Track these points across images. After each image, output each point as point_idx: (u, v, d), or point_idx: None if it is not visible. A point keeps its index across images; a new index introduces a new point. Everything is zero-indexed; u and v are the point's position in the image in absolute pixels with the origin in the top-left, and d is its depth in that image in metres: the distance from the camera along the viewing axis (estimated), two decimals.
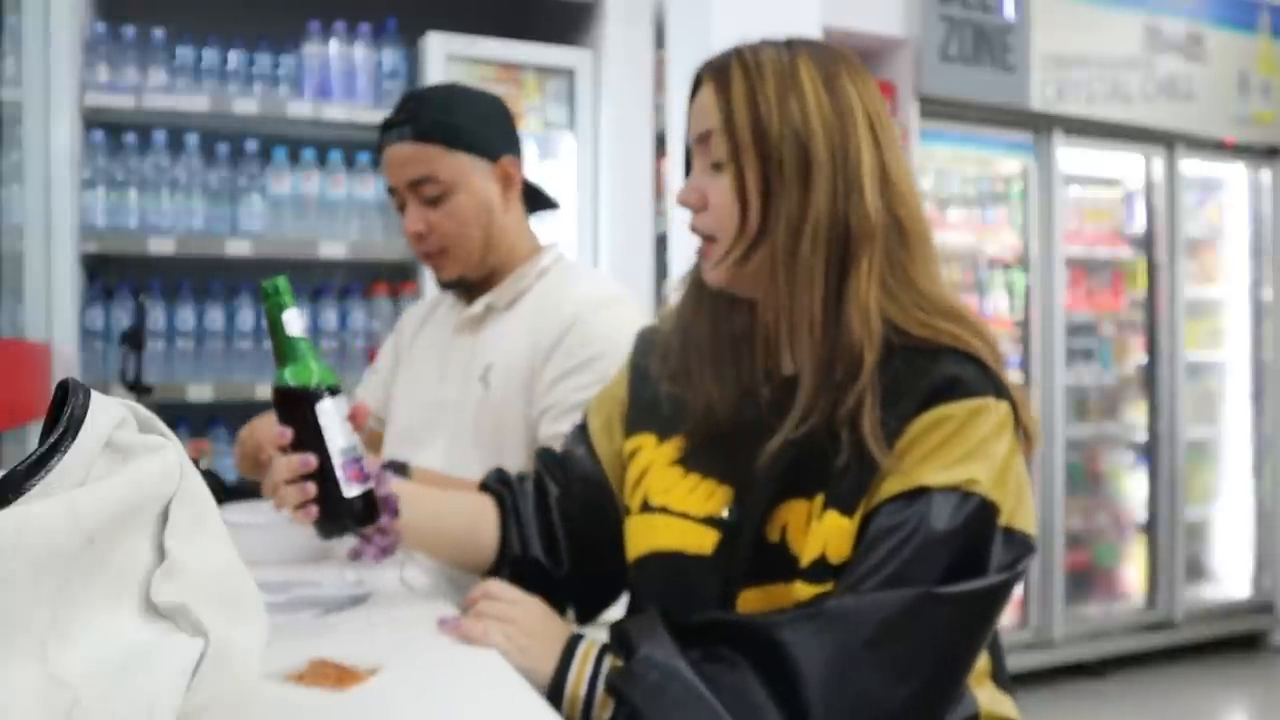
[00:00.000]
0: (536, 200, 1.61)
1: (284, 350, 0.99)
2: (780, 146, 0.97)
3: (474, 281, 1.55)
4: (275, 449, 1.01)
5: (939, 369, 0.94)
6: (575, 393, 1.40)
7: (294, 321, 1.00)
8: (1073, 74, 3.64)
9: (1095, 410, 3.99)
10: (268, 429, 1.21)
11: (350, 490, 1.00)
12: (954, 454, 0.91)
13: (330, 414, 1.00)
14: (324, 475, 0.99)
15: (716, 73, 1.01)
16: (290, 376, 0.99)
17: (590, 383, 1.38)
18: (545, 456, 1.24)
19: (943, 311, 0.98)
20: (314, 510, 1.00)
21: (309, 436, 0.99)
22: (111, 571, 0.59)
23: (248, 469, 1.45)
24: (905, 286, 0.98)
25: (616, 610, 1.27)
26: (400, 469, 1.29)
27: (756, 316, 1.05)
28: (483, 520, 1.19)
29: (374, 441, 1.72)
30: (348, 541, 1.12)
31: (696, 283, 1.09)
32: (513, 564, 1.17)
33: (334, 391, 1.00)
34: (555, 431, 1.38)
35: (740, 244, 0.99)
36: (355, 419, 1.03)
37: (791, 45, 1.01)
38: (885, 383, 0.94)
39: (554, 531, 1.18)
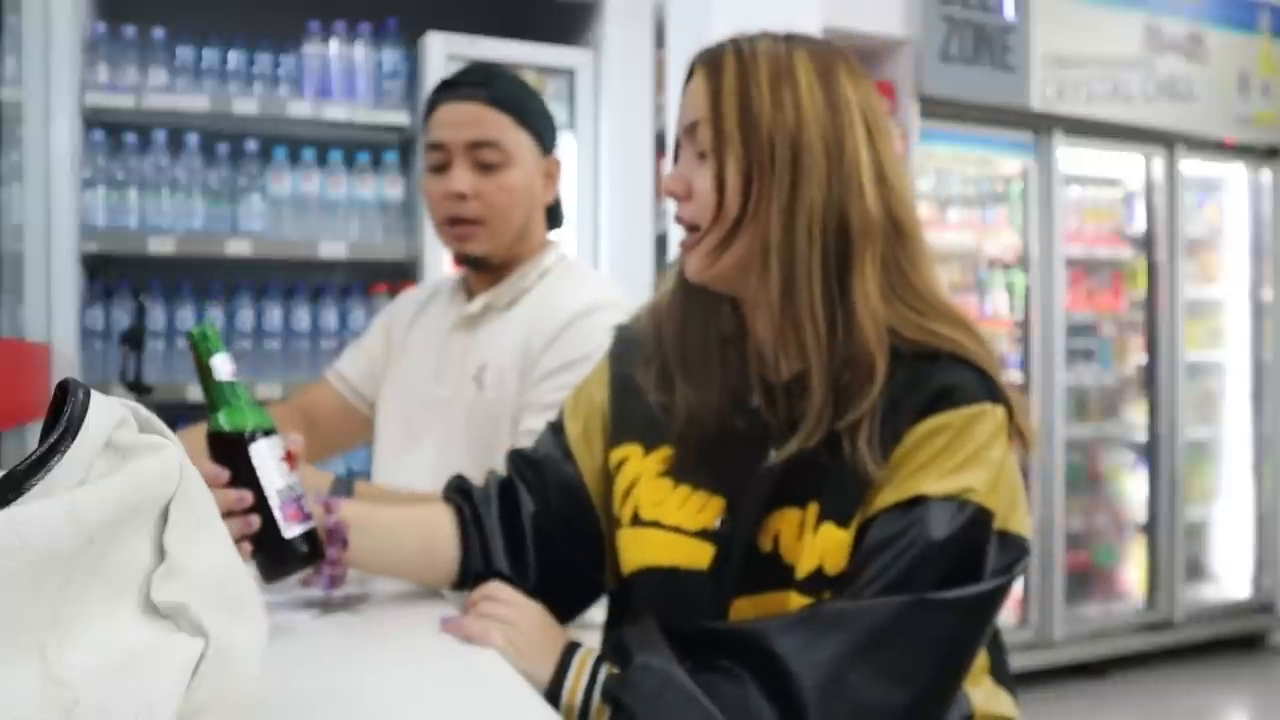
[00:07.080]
0: (552, 213, 1.61)
1: (215, 395, 1.00)
2: (771, 136, 0.94)
3: (494, 265, 1.52)
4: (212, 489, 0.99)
5: (936, 377, 0.93)
6: (553, 392, 1.39)
7: (223, 366, 1.00)
8: (1073, 74, 3.64)
9: (1095, 410, 3.99)
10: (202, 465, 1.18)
11: (290, 531, 0.99)
12: (951, 462, 0.90)
13: (265, 455, 0.99)
14: (263, 518, 0.99)
15: (709, 62, 1.00)
16: (225, 421, 0.99)
17: (570, 383, 1.37)
18: (517, 460, 1.19)
19: (939, 315, 0.96)
20: (249, 547, 0.98)
21: (245, 479, 0.99)
22: (111, 571, 0.59)
23: None
24: (902, 289, 0.96)
25: (594, 611, 1.26)
26: (346, 488, 1.27)
27: (744, 319, 1.03)
28: (438, 536, 1.13)
29: (358, 422, 1.69)
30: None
31: (682, 282, 1.05)
32: (475, 578, 1.12)
33: (268, 433, 1.00)
34: (528, 428, 1.37)
35: (716, 231, 0.97)
36: (290, 459, 1.02)
37: (790, 39, 1.00)
38: (885, 390, 0.93)
39: (522, 542, 1.13)
